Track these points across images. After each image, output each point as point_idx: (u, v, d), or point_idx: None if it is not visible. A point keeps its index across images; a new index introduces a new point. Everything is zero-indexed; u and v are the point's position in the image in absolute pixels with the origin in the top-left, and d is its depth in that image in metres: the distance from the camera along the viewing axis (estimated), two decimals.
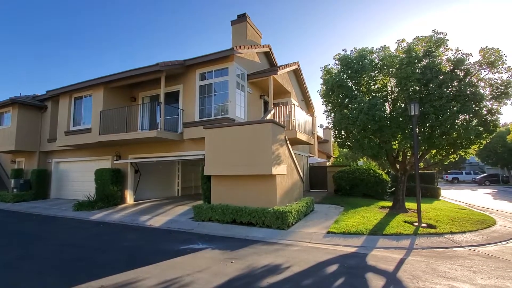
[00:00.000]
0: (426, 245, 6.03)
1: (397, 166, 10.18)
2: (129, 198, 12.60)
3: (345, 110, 9.32)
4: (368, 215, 8.71)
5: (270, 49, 13.37)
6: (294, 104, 11.33)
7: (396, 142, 9.08)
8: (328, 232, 6.96)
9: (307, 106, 17.11)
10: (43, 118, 15.84)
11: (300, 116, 11.97)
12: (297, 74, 15.03)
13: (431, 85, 8.04)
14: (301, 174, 10.37)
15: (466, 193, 20.53)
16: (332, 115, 10.21)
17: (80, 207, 11.23)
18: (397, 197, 9.86)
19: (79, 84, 12.24)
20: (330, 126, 10.38)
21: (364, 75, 9.14)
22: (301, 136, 11.50)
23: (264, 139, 7.99)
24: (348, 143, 10.25)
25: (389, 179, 13.78)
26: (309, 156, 22.41)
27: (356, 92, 9.30)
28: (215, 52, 10.34)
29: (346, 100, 9.34)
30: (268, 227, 7.53)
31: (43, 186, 15.04)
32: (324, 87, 9.96)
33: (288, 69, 12.58)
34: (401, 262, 4.99)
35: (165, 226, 8.37)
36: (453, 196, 17.98)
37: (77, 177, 14.73)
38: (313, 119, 20.95)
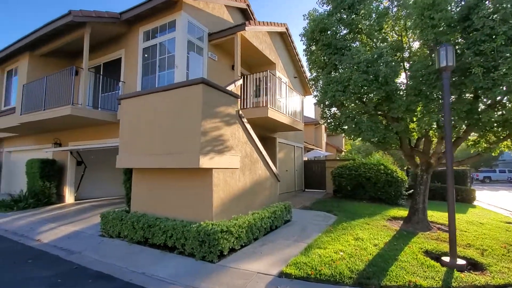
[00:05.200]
0: None
1: (416, 159, 6.84)
2: (69, 196, 10.04)
3: (333, 73, 6.11)
4: (366, 236, 5.49)
5: (248, 6, 10.17)
6: (267, 71, 8.12)
7: (414, 119, 5.73)
8: (281, 274, 3.86)
9: (303, 85, 13.73)
10: None
11: (278, 90, 8.77)
12: (286, 42, 11.66)
13: (474, 16, 4.57)
14: (274, 169, 7.23)
15: (504, 196, 16.36)
16: (319, 83, 7.00)
17: None
18: (415, 205, 6.53)
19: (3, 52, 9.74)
20: (316, 101, 7.14)
21: (364, 13, 5.83)
22: (278, 117, 8.27)
23: (191, 111, 4.96)
24: (345, 126, 6.98)
25: (407, 178, 10.36)
26: (311, 150, 19.10)
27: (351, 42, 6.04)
28: None
29: (335, 57, 6.07)
30: (191, 255, 4.56)
31: None
32: (305, 40, 6.74)
33: (266, 28, 9.30)
34: None
35: (52, 243, 5.60)
36: (489, 199, 14.00)
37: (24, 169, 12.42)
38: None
